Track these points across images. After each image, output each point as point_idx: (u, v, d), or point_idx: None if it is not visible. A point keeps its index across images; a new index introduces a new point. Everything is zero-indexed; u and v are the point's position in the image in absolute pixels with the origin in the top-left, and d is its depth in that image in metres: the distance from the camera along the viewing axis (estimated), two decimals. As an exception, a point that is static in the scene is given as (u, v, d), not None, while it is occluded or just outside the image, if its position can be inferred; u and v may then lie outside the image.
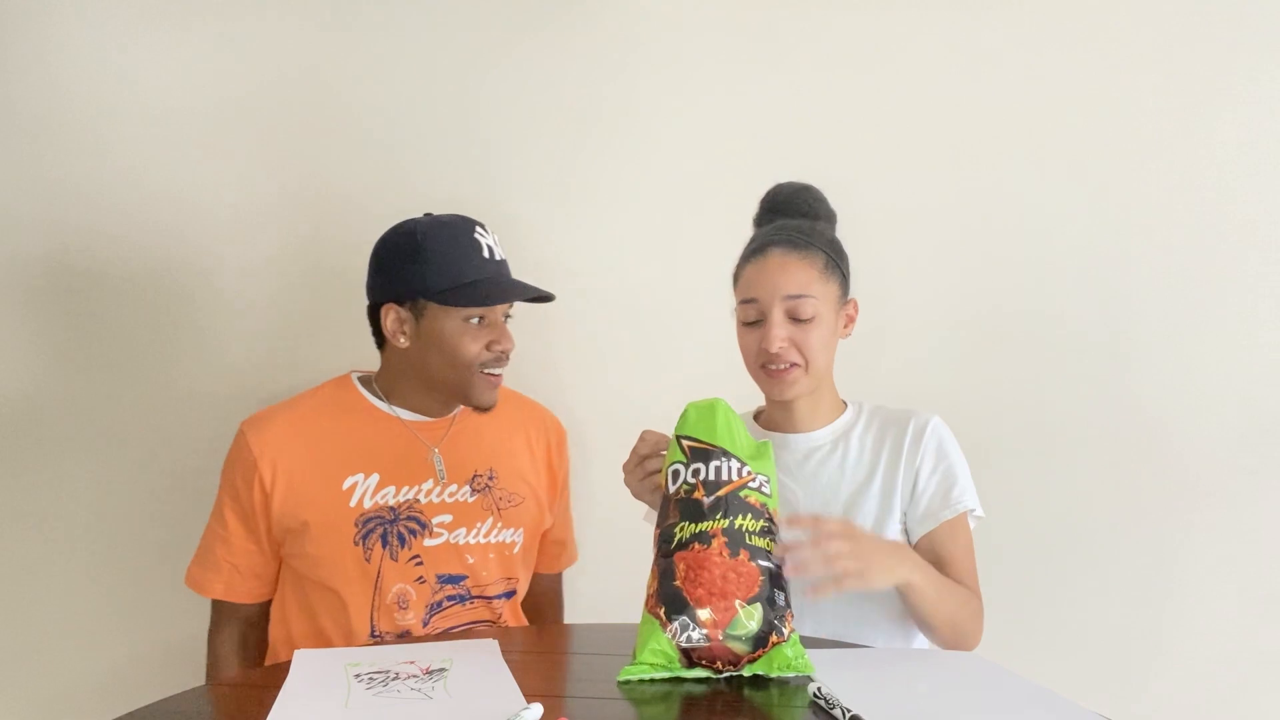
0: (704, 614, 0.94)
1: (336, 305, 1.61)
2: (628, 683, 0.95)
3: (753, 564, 0.96)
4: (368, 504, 1.30)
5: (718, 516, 0.98)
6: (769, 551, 0.99)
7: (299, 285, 1.65)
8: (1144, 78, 1.64)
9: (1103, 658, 1.67)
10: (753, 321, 1.22)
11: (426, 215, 1.35)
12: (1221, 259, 1.64)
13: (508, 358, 1.35)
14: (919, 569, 1.09)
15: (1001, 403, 1.66)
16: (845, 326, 1.27)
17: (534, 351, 1.67)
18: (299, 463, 1.30)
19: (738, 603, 0.94)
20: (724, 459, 1.01)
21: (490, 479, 1.38)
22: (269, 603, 1.39)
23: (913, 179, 1.65)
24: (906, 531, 1.23)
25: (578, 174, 1.68)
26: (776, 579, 0.98)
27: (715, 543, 0.96)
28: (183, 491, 1.60)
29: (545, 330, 1.67)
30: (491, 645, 1.07)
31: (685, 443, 1.04)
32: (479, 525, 1.35)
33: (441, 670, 0.99)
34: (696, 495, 0.99)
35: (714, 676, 0.96)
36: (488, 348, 1.31)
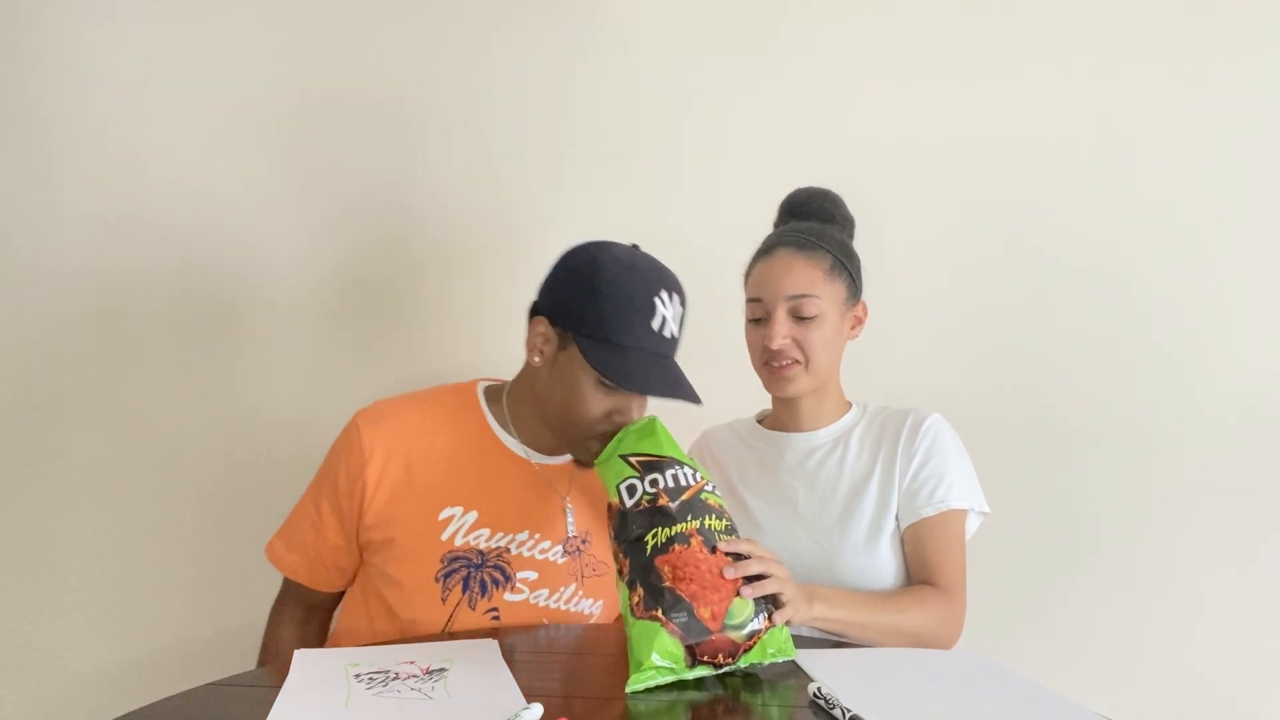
0: (703, 608, 0.95)
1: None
2: (636, 693, 0.94)
3: (728, 558, 0.99)
4: (458, 542, 1.21)
5: (688, 518, 1.00)
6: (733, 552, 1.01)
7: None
8: (1148, 81, 1.64)
9: (1103, 657, 1.67)
10: (758, 319, 1.25)
11: (633, 246, 1.22)
12: (1222, 260, 1.65)
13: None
14: (832, 607, 1.08)
15: (1003, 403, 1.66)
16: (853, 328, 1.29)
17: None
18: (403, 478, 1.22)
19: (731, 594, 0.97)
20: (677, 467, 1.04)
21: (583, 543, 1.28)
22: (339, 596, 1.33)
23: (916, 181, 1.66)
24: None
25: (581, 175, 1.68)
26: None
27: (694, 541, 0.98)
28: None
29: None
30: (491, 645, 1.07)
31: (633, 459, 1.06)
32: (562, 590, 1.25)
33: (441, 670, 0.99)
34: (661, 503, 1.01)
35: (713, 673, 0.96)
36: (609, 416, 1.18)
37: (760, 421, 1.36)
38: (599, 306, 1.15)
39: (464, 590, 1.21)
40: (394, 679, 0.96)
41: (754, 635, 0.96)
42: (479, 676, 0.97)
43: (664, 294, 1.17)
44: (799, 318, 1.22)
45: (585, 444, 1.21)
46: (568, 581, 1.25)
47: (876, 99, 1.66)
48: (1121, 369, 1.66)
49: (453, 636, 1.18)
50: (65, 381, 1.62)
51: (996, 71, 1.66)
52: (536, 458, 1.27)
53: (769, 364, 1.24)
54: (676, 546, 0.97)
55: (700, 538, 0.99)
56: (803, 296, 1.21)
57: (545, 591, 1.24)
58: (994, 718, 0.89)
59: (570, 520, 1.26)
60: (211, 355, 1.64)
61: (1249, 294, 1.65)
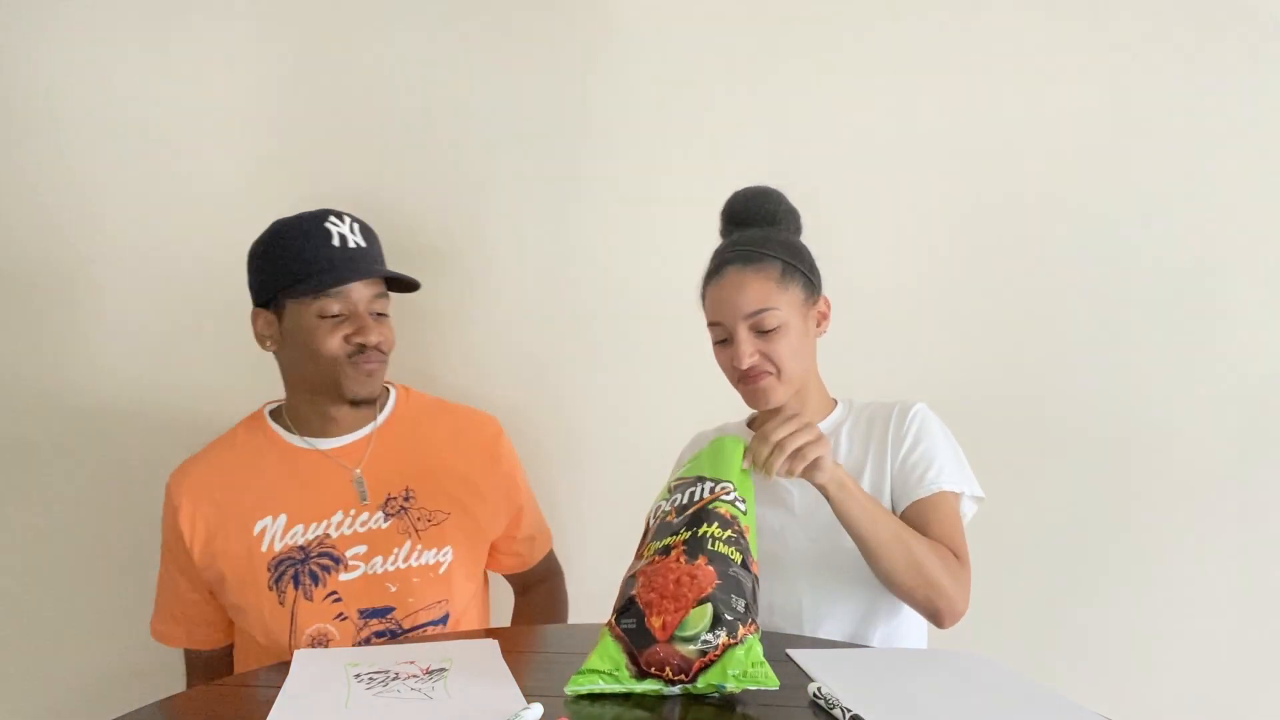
0: (654, 617, 0.92)
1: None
2: (577, 699, 0.91)
3: (710, 568, 0.94)
4: (278, 546, 1.27)
5: (681, 530, 0.98)
6: (729, 558, 0.96)
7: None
8: (1142, 73, 1.63)
9: (1103, 657, 1.67)
10: (723, 341, 1.24)
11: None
12: (1221, 256, 1.64)
13: (377, 350, 1.29)
14: (853, 482, 1.10)
15: (998, 400, 1.65)
16: (819, 325, 1.27)
17: (533, 355, 1.68)
18: (213, 515, 1.29)
19: (690, 604, 0.92)
20: (701, 483, 1.03)
21: (406, 500, 1.32)
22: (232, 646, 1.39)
23: (902, 173, 1.64)
24: None
25: (570, 177, 1.67)
26: (737, 585, 0.95)
27: (674, 552, 0.96)
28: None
29: (544, 334, 1.67)
30: (491, 645, 1.07)
31: (674, 483, 1.06)
32: (396, 551, 1.29)
33: (441, 670, 0.99)
34: (669, 519, 1.01)
35: (666, 689, 0.91)
36: (348, 340, 1.26)
37: (749, 424, 1.36)
38: (280, 261, 1.26)
39: (296, 586, 1.26)
40: (394, 679, 0.96)
41: (708, 652, 0.90)
42: (479, 676, 0.97)
43: (332, 218, 1.28)
44: (761, 331, 1.20)
45: (345, 376, 1.27)
46: (400, 541, 1.30)
47: (862, 96, 1.64)
48: (1117, 365, 1.66)
49: (297, 638, 1.25)
50: (60, 379, 1.62)
51: (975, 61, 1.63)
52: (327, 444, 1.33)
53: (743, 382, 1.23)
54: (657, 558, 0.96)
55: (682, 548, 0.95)
56: (760, 311, 1.19)
57: (379, 559, 1.28)
58: (994, 717, 0.89)
59: (361, 489, 1.30)
60: (210, 356, 1.64)
61: (1245, 289, 1.64)
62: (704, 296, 1.27)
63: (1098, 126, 1.64)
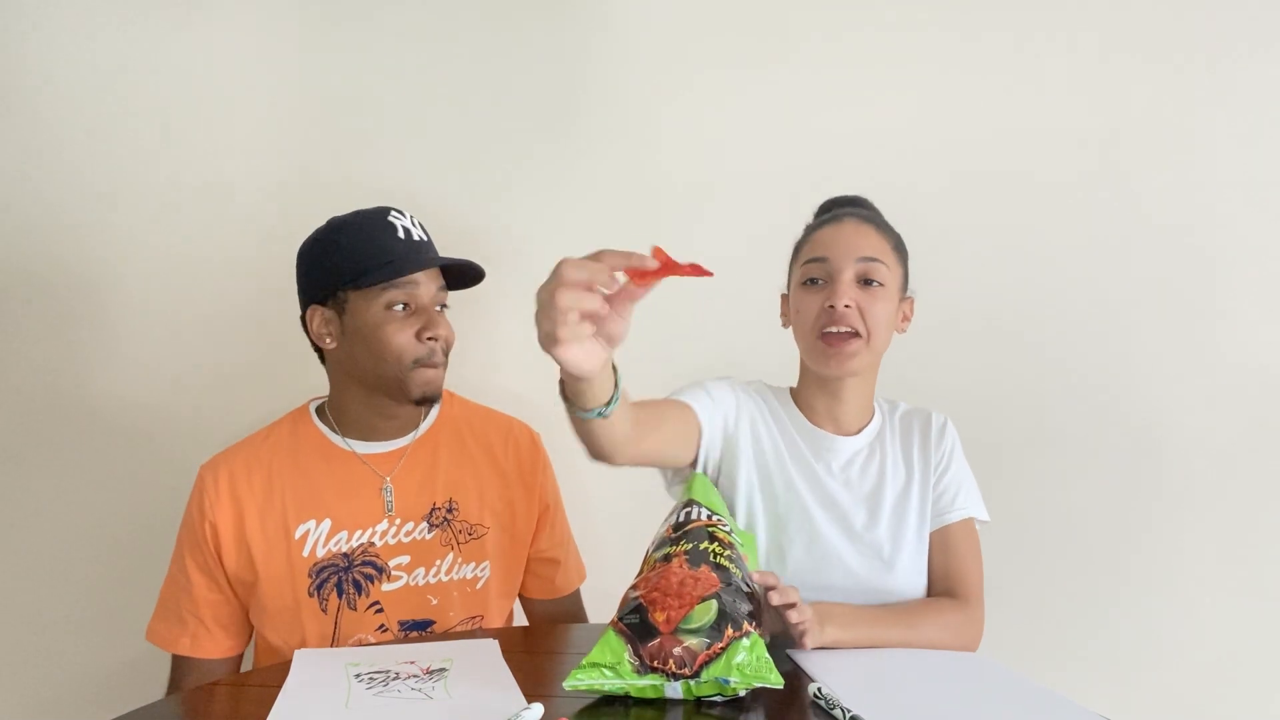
0: (658, 612, 0.92)
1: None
2: (579, 711, 0.90)
3: (713, 574, 0.95)
4: (320, 552, 1.23)
5: (681, 542, 0.99)
6: (730, 571, 0.96)
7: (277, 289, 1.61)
8: (1145, 82, 1.64)
9: (1103, 658, 1.67)
10: (816, 281, 1.16)
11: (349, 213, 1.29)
12: (1221, 260, 1.64)
13: (445, 349, 1.26)
14: (844, 629, 1.06)
15: (1002, 404, 1.66)
16: (901, 321, 1.23)
17: (526, 351, 1.67)
18: (252, 512, 1.24)
19: (694, 601, 0.93)
20: (694, 507, 1.06)
21: (449, 511, 1.29)
22: (235, 661, 1.31)
23: (920, 186, 1.64)
24: None
25: (571, 171, 1.67)
26: (739, 592, 0.95)
27: (676, 560, 0.97)
28: (172, 493, 1.60)
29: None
30: (491, 645, 1.07)
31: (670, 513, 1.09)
32: (438, 563, 1.27)
33: (441, 670, 0.99)
34: (665, 534, 1.03)
35: (668, 684, 0.91)
36: (418, 337, 1.22)
37: (793, 396, 1.27)
38: (345, 254, 1.22)
39: (339, 595, 1.23)
40: (394, 679, 0.96)
41: (713, 644, 0.90)
42: (479, 676, 0.97)
43: (394, 213, 1.26)
44: (866, 282, 1.14)
45: (411, 377, 1.23)
46: (442, 554, 1.28)
47: (878, 103, 1.65)
48: (1126, 373, 1.66)
49: (346, 641, 1.22)
50: (51, 381, 1.62)
51: (996, 78, 1.64)
52: (365, 447, 1.29)
53: (825, 334, 1.14)
54: (658, 564, 0.97)
55: (684, 557, 0.97)
56: (873, 259, 1.14)
57: (421, 570, 1.26)
58: (994, 718, 0.88)
59: (389, 499, 1.27)
60: (206, 357, 1.64)
61: (1251, 299, 1.65)
62: (804, 242, 1.21)
63: (1111, 141, 1.64)
